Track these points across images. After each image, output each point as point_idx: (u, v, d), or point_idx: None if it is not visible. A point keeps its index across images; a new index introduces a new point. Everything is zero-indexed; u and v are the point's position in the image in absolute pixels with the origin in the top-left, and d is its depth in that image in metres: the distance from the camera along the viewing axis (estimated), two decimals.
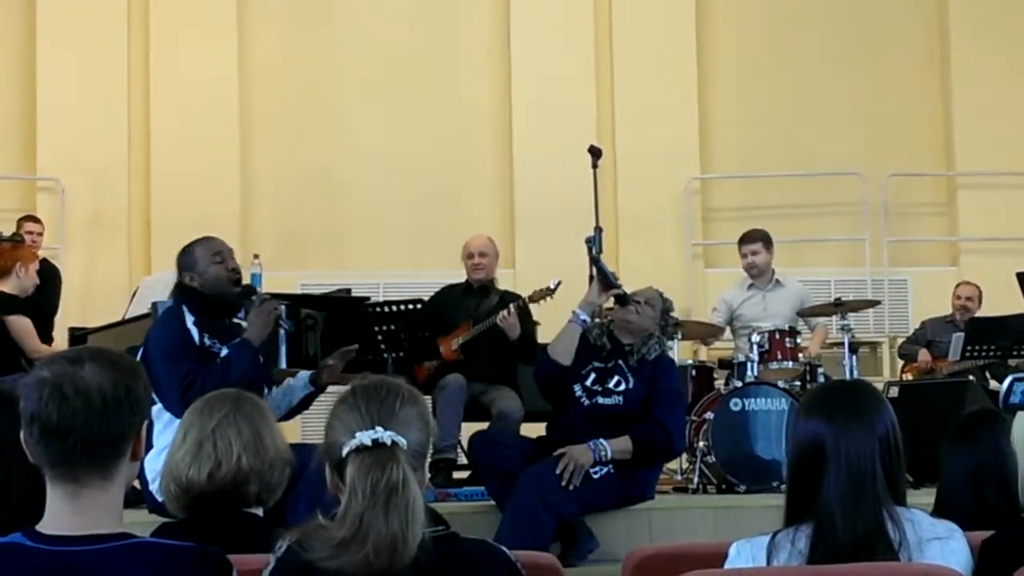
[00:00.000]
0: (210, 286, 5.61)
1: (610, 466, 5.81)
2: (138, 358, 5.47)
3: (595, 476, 5.78)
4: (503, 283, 8.09)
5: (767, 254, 8.43)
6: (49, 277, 8.26)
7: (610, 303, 6.35)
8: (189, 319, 5.53)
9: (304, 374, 5.72)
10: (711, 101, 11.20)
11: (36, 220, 9.19)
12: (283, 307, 5.70)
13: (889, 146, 11.23)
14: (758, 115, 11.23)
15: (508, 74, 10.94)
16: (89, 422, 2.30)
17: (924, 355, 9.34)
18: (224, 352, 5.43)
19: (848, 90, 11.31)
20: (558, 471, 5.69)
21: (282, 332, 5.79)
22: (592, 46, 10.97)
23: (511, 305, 7.28)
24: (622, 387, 5.98)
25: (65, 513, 2.34)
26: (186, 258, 5.74)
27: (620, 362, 6.04)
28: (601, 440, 5.78)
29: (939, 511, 3.28)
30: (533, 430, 6.68)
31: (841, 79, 11.32)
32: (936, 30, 11.45)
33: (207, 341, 5.49)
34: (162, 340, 5.49)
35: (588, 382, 6.05)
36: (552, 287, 7.29)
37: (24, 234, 8.67)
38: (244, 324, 5.69)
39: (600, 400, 6.00)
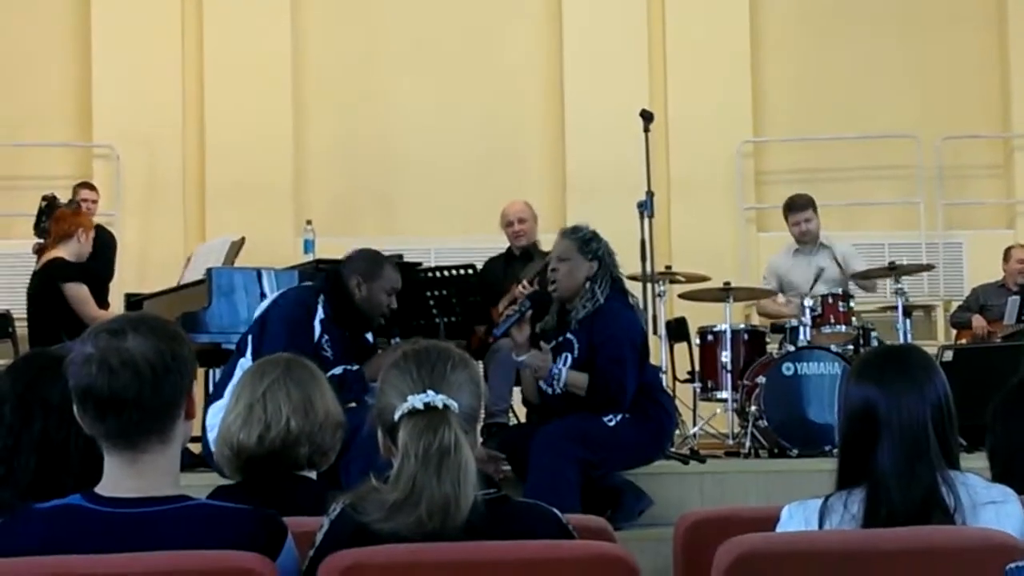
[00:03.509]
0: (367, 305, 5.71)
1: (625, 414, 5.73)
2: (256, 314, 5.61)
3: (610, 424, 5.72)
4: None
5: (817, 219, 8.37)
6: (105, 243, 8.32)
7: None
8: (319, 314, 5.60)
9: None
10: (764, 64, 11.11)
11: (91, 187, 9.20)
12: None
13: (944, 108, 11.09)
14: (811, 78, 11.13)
15: (560, 39, 10.90)
16: (142, 392, 2.32)
17: (979, 320, 9.26)
18: (339, 370, 5.53)
19: (902, 52, 11.18)
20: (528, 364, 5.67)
21: None
22: (644, 9, 10.89)
23: (524, 281, 7.26)
24: (569, 359, 5.77)
25: (123, 476, 2.37)
26: (370, 267, 5.79)
27: (567, 335, 5.84)
28: (561, 368, 5.67)
29: (1003, 477, 3.19)
30: None
31: (895, 41, 11.19)
32: None
33: (324, 343, 5.58)
34: (288, 321, 5.60)
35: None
36: None
37: (80, 201, 8.71)
38: (369, 338, 5.81)
39: (559, 386, 5.75)
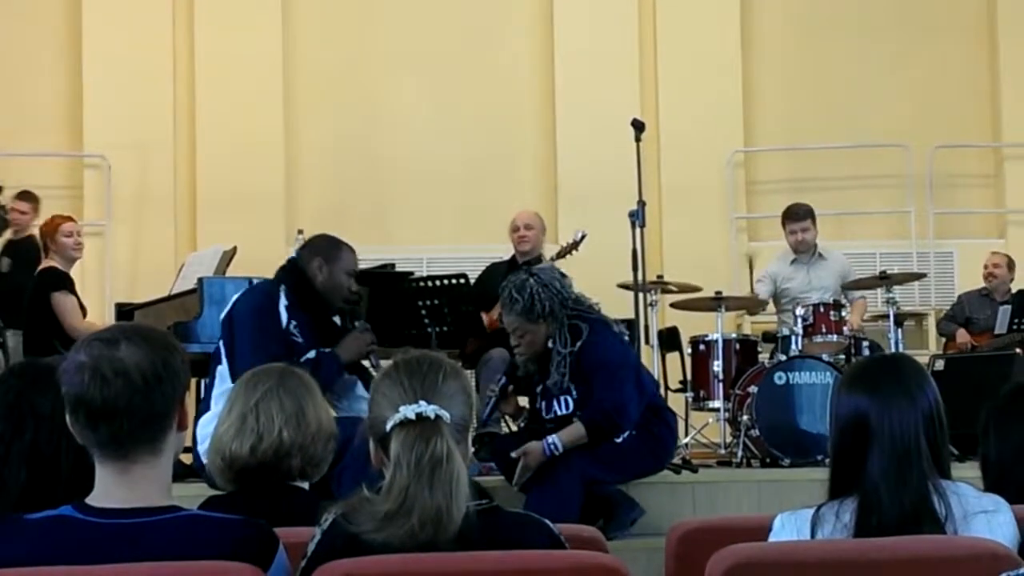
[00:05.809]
0: (328, 287, 5.69)
1: (632, 432, 5.72)
2: (222, 317, 5.61)
3: (617, 441, 5.71)
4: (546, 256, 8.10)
5: (815, 229, 8.42)
6: (26, 254, 8.37)
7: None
8: (283, 301, 5.59)
9: None
10: (755, 73, 11.13)
11: (26, 197, 9.04)
12: (377, 347, 5.81)
13: (935, 117, 11.12)
14: (802, 87, 11.16)
15: (551, 48, 10.91)
16: (133, 402, 2.33)
17: (962, 336, 9.28)
18: (312, 354, 5.51)
19: (894, 61, 11.21)
20: (516, 479, 5.62)
21: (372, 363, 5.91)
22: (636, 19, 10.91)
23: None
24: (571, 403, 5.76)
25: (115, 486, 2.37)
26: (329, 250, 5.77)
27: (557, 380, 5.79)
28: (553, 438, 5.59)
29: (995, 486, 3.18)
30: None
31: (887, 50, 11.22)
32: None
33: (292, 329, 5.57)
34: (253, 314, 5.58)
35: (546, 416, 5.85)
36: (576, 240, 7.29)
37: (12, 209, 8.58)
38: (336, 321, 5.79)
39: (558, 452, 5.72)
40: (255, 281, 7.16)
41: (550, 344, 5.75)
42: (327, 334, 5.76)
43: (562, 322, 5.74)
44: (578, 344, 5.72)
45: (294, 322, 5.58)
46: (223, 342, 5.58)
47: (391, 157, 10.85)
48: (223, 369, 5.49)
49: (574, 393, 5.77)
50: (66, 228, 7.88)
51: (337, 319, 5.89)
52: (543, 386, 5.83)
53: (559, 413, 5.80)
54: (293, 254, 5.93)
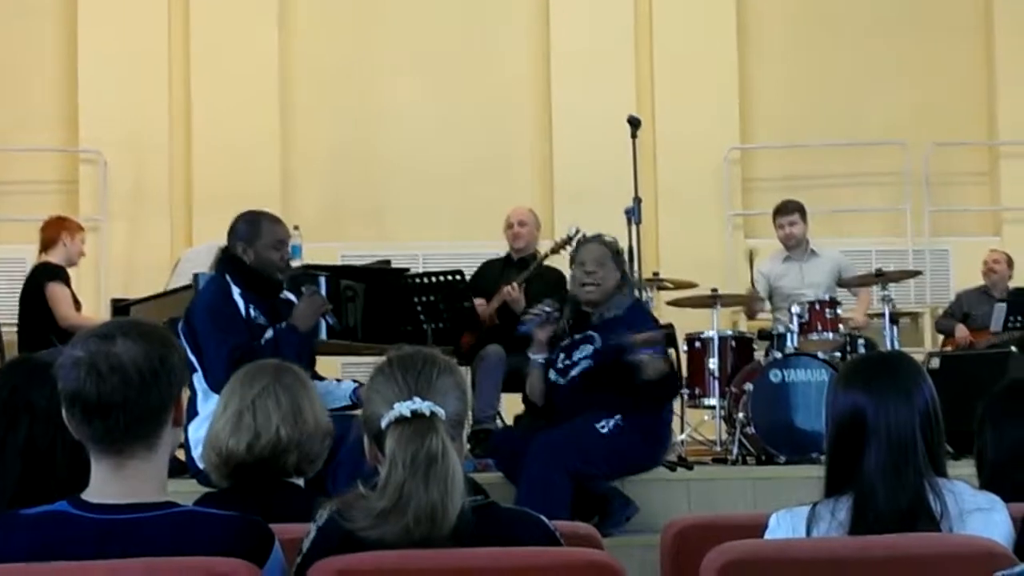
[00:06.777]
0: (261, 266, 5.67)
1: (618, 417, 5.74)
2: (180, 326, 5.57)
3: (603, 431, 5.72)
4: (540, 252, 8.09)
5: (803, 224, 8.42)
6: None
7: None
8: (235, 290, 5.57)
9: (349, 385, 5.71)
10: (751, 70, 11.12)
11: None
12: (331, 305, 5.80)
13: (931, 115, 11.11)
14: (798, 84, 11.15)
15: (547, 46, 10.90)
16: (129, 397, 2.32)
17: (961, 331, 9.27)
18: (270, 333, 5.49)
19: (890, 59, 11.20)
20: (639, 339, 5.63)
21: (328, 323, 5.90)
22: (632, 16, 10.90)
23: (514, 283, 7.33)
24: (590, 349, 5.84)
25: (110, 482, 2.36)
26: (248, 228, 5.74)
27: (588, 332, 5.91)
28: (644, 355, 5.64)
29: (991, 484, 3.18)
30: None
31: (883, 48, 11.21)
32: None
33: (252, 313, 5.55)
34: (209, 311, 5.55)
35: (559, 365, 5.94)
36: (571, 235, 7.28)
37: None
38: (291, 297, 5.77)
39: (573, 373, 5.87)
40: None
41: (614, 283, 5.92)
42: (286, 311, 5.74)
43: (629, 284, 6.07)
44: (624, 306, 5.91)
45: (252, 306, 5.57)
46: (188, 348, 5.49)
47: (387, 155, 10.83)
48: (199, 376, 5.46)
49: (597, 342, 5.84)
50: (81, 236, 7.99)
51: (292, 296, 5.86)
52: (580, 334, 5.92)
53: (578, 357, 5.87)
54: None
